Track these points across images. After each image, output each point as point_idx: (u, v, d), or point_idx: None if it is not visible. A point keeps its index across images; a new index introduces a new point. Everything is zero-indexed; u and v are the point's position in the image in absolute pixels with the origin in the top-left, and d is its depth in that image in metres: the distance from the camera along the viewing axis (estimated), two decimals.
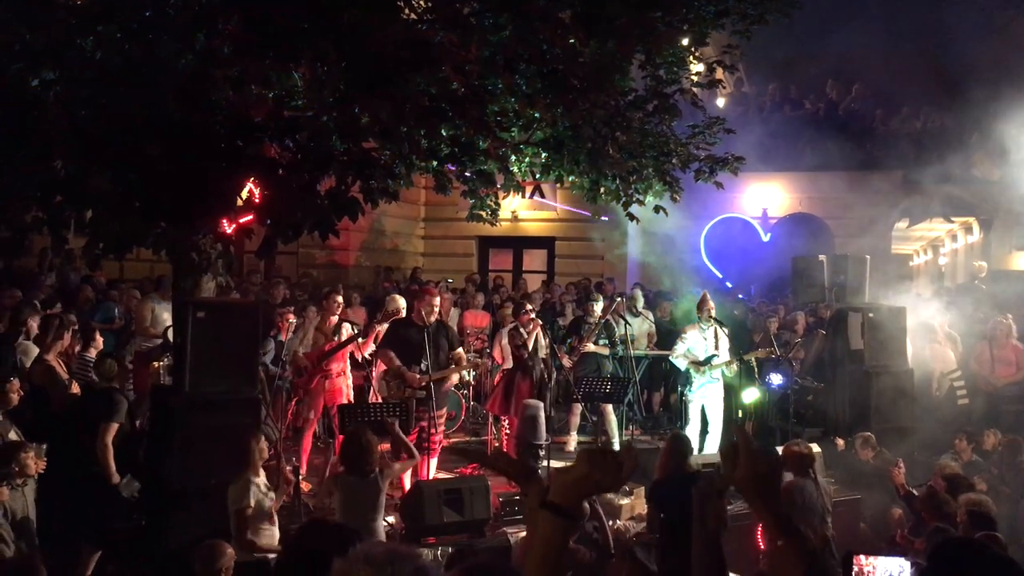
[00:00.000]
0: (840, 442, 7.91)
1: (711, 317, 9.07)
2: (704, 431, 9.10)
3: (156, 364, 7.51)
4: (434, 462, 7.67)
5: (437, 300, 7.82)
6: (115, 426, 6.18)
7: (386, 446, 7.00)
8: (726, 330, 9.23)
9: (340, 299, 8.71)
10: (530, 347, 8.63)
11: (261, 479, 5.61)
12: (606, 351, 9.67)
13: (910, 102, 16.42)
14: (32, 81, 5.53)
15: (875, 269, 10.39)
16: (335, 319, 8.50)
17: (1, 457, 5.39)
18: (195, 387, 6.03)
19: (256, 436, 5.74)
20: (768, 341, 9.75)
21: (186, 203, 5.46)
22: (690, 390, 9.08)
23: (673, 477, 5.87)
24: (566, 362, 9.54)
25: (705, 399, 9.04)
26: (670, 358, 9.43)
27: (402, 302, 8.42)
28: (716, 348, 9.00)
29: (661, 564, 5.84)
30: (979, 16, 17.44)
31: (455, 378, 8.22)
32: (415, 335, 7.59)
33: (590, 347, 9.54)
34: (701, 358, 8.98)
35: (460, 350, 7.97)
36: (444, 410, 7.77)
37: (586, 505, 5.73)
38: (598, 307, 9.76)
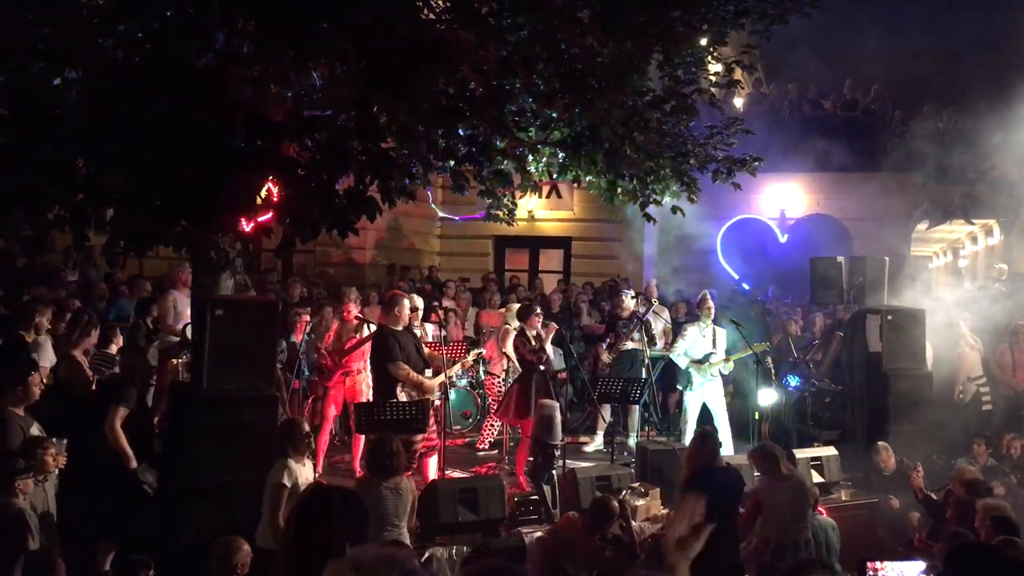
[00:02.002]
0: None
1: (710, 317, 9.14)
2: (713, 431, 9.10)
3: (175, 361, 7.56)
4: (433, 461, 7.66)
5: (407, 302, 7.78)
6: (123, 410, 6.18)
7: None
8: (741, 326, 9.23)
9: (351, 298, 8.73)
10: (548, 351, 8.50)
11: (303, 467, 5.65)
12: (642, 345, 9.69)
13: (930, 103, 16.27)
14: (54, 80, 5.59)
15: (894, 271, 10.31)
16: (353, 318, 8.51)
17: (24, 451, 5.45)
18: (213, 384, 6.06)
19: (299, 422, 5.84)
20: (787, 343, 9.72)
21: (206, 201, 5.49)
22: (690, 388, 9.10)
23: (711, 467, 5.98)
24: (605, 358, 9.61)
25: (705, 397, 9.07)
26: (671, 356, 9.45)
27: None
28: (714, 347, 9.04)
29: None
30: (1000, 15, 17.28)
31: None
32: (406, 341, 7.53)
33: (629, 344, 9.58)
34: (700, 356, 9.01)
35: (426, 349, 7.97)
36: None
37: (615, 503, 5.78)
38: (628, 301, 9.81)
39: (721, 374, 9.15)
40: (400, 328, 7.55)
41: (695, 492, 6.01)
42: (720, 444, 6.31)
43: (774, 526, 6.12)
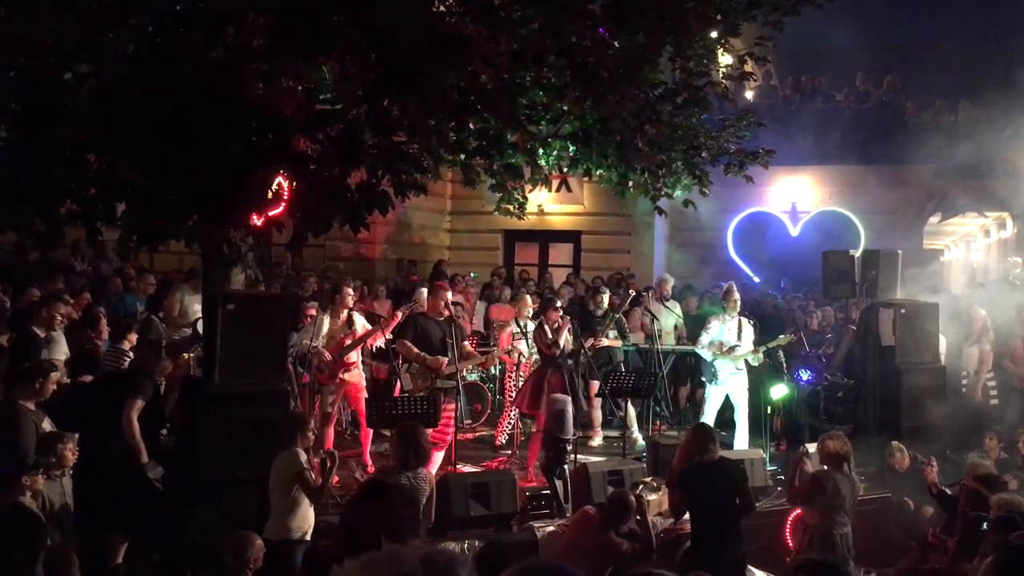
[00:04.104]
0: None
1: (736, 309, 9.02)
2: (731, 424, 9.05)
3: (186, 355, 7.57)
4: (440, 456, 7.64)
5: (449, 295, 7.84)
6: (140, 403, 6.16)
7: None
8: (753, 322, 9.17)
9: (350, 291, 8.70)
10: (561, 345, 8.40)
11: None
12: (619, 343, 9.64)
13: (943, 95, 16.15)
14: (64, 75, 5.58)
15: (906, 264, 10.25)
16: (345, 313, 8.50)
17: (41, 447, 5.45)
18: (224, 379, 6.07)
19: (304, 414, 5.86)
20: (799, 337, 9.66)
21: (218, 196, 5.49)
22: (715, 382, 9.00)
23: (698, 463, 5.99)
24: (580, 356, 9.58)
25: (730, 390, 8.98)
26: (696, 349, 9.36)
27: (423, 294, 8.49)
28: (739, 339, 8.94)
29: (696, 544, 5.96)
30: (1012, 8, 17.13)
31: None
32: (434, 328, 7.62)
33: (604, 341, 9.49)
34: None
35: (467, 344, 8.01)
36: (452, 404, 7.72)
37: (632, 498, 5.79)
38: (605, 299, 9.76)
39: (748, 365, 9.03)
40: (436, 316, 7.67)
41: (677, 491, 6.08)
42: (714, 438, 6.25)
43: (823, 520, 6.13)
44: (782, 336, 9.06)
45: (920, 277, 10.40)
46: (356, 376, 8.43)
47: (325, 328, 8.40)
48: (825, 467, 6.39)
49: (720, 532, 5.92)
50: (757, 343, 9.03)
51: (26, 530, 3.90)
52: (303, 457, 5.57)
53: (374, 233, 14.99)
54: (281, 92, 5.41)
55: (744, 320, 9.07)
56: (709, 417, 8.96)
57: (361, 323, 8.50)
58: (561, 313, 8.62)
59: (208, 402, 6.11)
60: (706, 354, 9.06)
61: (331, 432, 8.34)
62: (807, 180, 16.04)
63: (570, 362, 8.47)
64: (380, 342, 8.52)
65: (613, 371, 9.10)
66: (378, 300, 11.54)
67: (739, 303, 9.10)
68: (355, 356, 8.46)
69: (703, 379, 9.62)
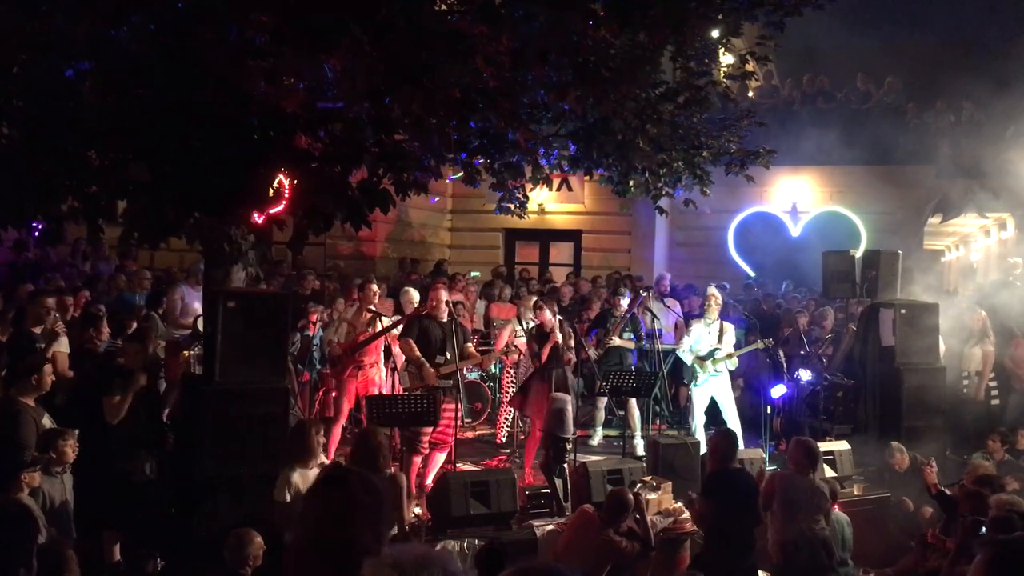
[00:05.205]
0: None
1: (716, 313, 9.04)
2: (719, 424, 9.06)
3: (186, 353, 7.56)
4: (442, 456, 7.63)
5: (443, 295, 7.82)
6: (116, 398, 6.09)
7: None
8: (753, 321, 9.16)
9: (376, 289, 8.65)
10: (544, 358, 8.20)
11: (312, 471, 5.44)
12: (631, 344, 9.61)
13: (944, 95, 16.15)
14: (67, 71, 5.58)
15: (906, 265, 10.25)
16: (368, 310, 8.47)
17: (42, 444, 5.44)
18: (225, 376, 6.07)
19: (315, 426, 5.71)
20: (798, 336, 9.66)
21: (220, 194, 5.48)
22: (696, 384, 9.05)
23: (726, 470, 6.08)
24: (592, 354, 9.48)
25: (712, 392, 8.99)
26: (677, 352, 9.39)
27: (415, 295, 8.45)
28: (720, 342, 8.96)
29: (717, 551, 5.95)
30: (1014, 8, 17.13)
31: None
32: (434, 329, 7.64)
33: (616, 340, 9.48)
34: (704, 352, 8.94)
35: (470, 345, 7.99)
36: (452, 404, 7.69)
37: (630, 497, 5.80)
38: (624, 301, 9.71)
39: (728, 369, 9.06)
40: (436, 318, 7.70)
41: (706, 499, 6.09)
42: (737, 444, 6.31)
43: (789, 525, 6.09)
44: (759, 341, 9.07)
45: (920, 277, 10.40)
46: (372, 374, 8.36)
47: (345, 325, 8.40)
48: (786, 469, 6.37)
49: (735, 539, 5.96)
50: (747, 344, 9.08)
51: (17, 526, 3.89)
52: (292, 482, 5.32)
53: (375, 231, 14.99)
54: (283, 90, 5.40)
55: (725, 324, 9.10)
56: (697, 418, 8.99)
57: (381, 325, 8.43)
58: (548, 314, 8.46)
59: (209, 400, 6.11)
60: (687, 358, 9.10)
61: (338, 431, 8.31)
62: (808, 180, 16.06)
63: (558, 372, 8.38)
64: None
65: (612, 370, 9.08)
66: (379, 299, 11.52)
67: (720, 307, 9.12)
68: (371, 357, 8.38)
69: (684, 382, 9.64)
